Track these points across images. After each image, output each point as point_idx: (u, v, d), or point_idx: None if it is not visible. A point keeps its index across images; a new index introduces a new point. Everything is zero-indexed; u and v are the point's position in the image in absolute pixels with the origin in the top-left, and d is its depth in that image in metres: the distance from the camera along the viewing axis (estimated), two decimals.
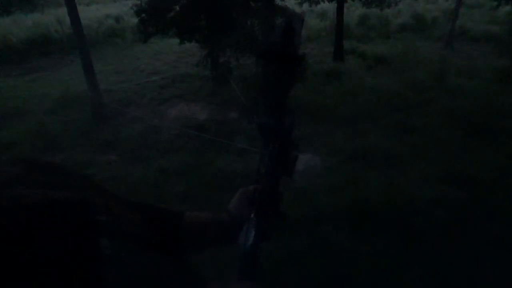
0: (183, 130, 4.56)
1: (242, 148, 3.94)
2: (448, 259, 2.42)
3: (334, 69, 6.59)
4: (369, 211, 2.83)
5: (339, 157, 3.84)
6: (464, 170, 3.38)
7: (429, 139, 4.08)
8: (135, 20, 6.52)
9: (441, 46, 8.30)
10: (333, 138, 4.23)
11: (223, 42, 5.55)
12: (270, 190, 0.61)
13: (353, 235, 2.64)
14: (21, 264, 0.35)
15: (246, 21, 5.95)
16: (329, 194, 3.10)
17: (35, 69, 8.22)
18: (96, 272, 0.39)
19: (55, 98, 5.62)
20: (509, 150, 3.77)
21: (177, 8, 6.00)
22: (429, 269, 2.36)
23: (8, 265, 0.34)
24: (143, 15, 5.92)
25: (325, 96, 5.38)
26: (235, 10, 5.88)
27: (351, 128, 4.42)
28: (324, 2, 8.16)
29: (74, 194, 0.44)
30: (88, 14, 11.46)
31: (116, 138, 4.52)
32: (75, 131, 4.74)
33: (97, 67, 5.46)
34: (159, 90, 6.23)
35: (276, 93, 0.50)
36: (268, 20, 5.41)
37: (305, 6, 8.88)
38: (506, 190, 3.10)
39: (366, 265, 2.36)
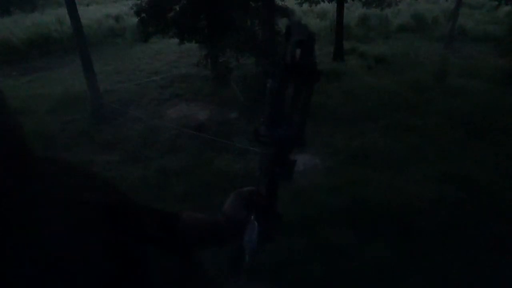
0: (183, 130, 4.56)
1: (242, 148, 3.94)
2: (448, 259, 2.42)
3: (334, 69, 6.59)
4: (369, 211, 2.83)
5: (339, 157, 3.84)
6: (464, 170, 3.38)
7: (429, 139, 4.08)
8: (135, 20, 6.52)
9: (441, 46, 8.29)
10: (333, 138, 4.23)
11: (223, 42, 5.55)
12: (269, 193, 0.61)
13: (353, 235, 2.64)
14: (62, 258, 0.35)
15: (246, 21, 5.96)
16: (329, 194, 3.10)
17: (35, 69, 8.21)
18: (134, 274, 0.39)
19: (55, 98, 5.61)
20: (509, 150, 3.76)
21: (177, 8, 6.01)
22: (429, 269, 2.36)
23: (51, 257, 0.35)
24: (143, 15, 5.92)
25: (325, 96, 5.38)
26: (235, 10, 5.88)
27: (351, 128, 4.42)
28: (324, 2, 8.17)
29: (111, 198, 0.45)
30: (88, 14, 11.45)
31: (116, 138, 4.51)
32: (75, 131, 4.73)
33: (97, 67, 5.46)
34: (159, 90, 6.22)
35: (284, 105, 0.50)
36: (268, 20, 5.41)
37: (305, 6, 8.89)
38: (506, 190, 3.10)
39: (366, 265, 2.36)
